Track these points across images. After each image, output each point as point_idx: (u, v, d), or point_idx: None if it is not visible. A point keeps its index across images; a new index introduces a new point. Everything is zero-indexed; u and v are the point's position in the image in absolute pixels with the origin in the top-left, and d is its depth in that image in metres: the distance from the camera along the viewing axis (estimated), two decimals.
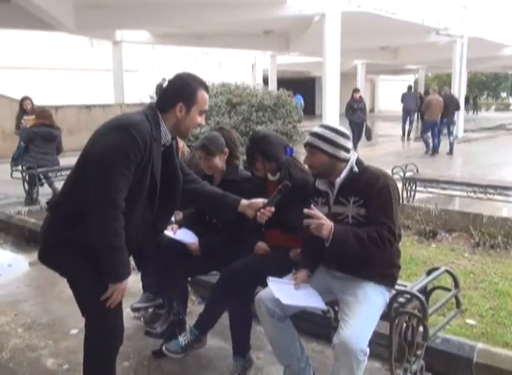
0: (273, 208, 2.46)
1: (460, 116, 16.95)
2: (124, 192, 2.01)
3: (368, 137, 12.41)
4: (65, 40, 16.44)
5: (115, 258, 2.06)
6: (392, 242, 2.31)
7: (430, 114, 12.48)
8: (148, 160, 2.07)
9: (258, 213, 2.45)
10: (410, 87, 18.02)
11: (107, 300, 2.11)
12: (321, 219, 2.27)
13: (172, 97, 2.15)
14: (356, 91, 12.88)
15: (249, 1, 10.44)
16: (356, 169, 2.44)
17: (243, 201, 2.51)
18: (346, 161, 2.46)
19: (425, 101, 13.25)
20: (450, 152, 12.60)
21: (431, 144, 12.65)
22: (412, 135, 17.21)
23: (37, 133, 7.20)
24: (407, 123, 17.18)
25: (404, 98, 17.66)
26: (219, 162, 3.08)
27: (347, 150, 2.46)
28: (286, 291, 2.40)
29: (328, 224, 2.28)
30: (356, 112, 12.31)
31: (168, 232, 3.09)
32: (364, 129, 12.40)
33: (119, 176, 1.99)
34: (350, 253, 2.33)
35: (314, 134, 2.46)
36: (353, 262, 2.39)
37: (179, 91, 2.15)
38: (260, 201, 2.50)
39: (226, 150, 3.10)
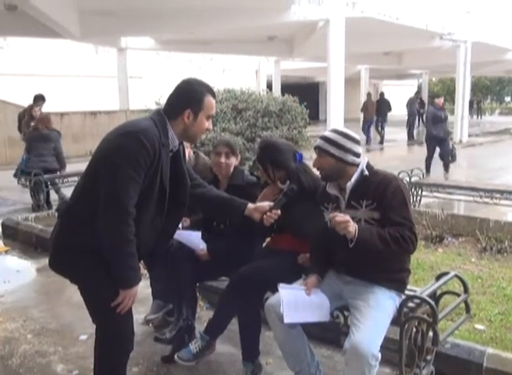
0: (279, 212, 2.47)
1: (465, 121, 16.97)
2: (134, 198, 2.02)
3: (452, 160, 10.19)
4: (70, 47, 16.54)
5: (126, 264, 2.07)
6: (414, 242, 2.32)
7: (367, 114, 16.34)
8: (157, 166, 2.08)
9: (265, 216, 2.47)
10: (417, 92, 18.70)
11: (118, 306, 2.12)
12: (347, 220, 2.29)
13: (180, 103, 2.16)
14: (437, 96, 10.65)
15: (253, 8, 10.48)
16: (366, 172, 2.46)
17: (250, 205, 2.53)
18: (356, 165, 2.47)
19: (363, 103, 16.80)
20: (381, 142, 16.46)
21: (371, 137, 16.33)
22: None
23: (31, 138, 7.37)
24: (414, 126, 17.51)
25: (411, 102, 17.96)
26: (233, 163, 3.12)
27: (356, 154, 2.47)
28: (295, 301, 2.40)
29: (353, 223, 2.30)
30: (440, 124, 9.67)
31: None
32: (451, 148, 10.12)
33: (129, 182, 2.00)
34: (373, 253, 2.35)
35: (324, 138, 2.50)
36: (363, 267, 2.40)
37: (186, 98, 2.16)
38: (266, 204, 2.51)
39: (239, 156, 3.15)
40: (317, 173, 2.80)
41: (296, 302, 2.41)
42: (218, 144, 3.18)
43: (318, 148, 2.50)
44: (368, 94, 17.66)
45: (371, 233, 2.30)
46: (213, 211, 2.85)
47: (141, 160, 2.00)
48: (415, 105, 18.21)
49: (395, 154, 13.88)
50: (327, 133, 2.51)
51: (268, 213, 2.46)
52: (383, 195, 2.36)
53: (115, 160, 2.00)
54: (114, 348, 2.24)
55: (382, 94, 17.80)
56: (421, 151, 14.77)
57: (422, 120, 18.00)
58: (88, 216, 2.06)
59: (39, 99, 9.17)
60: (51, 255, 2.22)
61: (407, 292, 2.50)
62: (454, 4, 14.86)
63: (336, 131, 2.51)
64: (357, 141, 2.49)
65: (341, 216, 2.29)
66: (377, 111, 16.61)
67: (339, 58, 11.02)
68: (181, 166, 2.31)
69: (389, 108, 17.06)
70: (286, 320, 2.34)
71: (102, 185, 2.01)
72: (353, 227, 2.27)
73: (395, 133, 19.91)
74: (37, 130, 7.41)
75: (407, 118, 18.54)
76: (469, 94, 17.61)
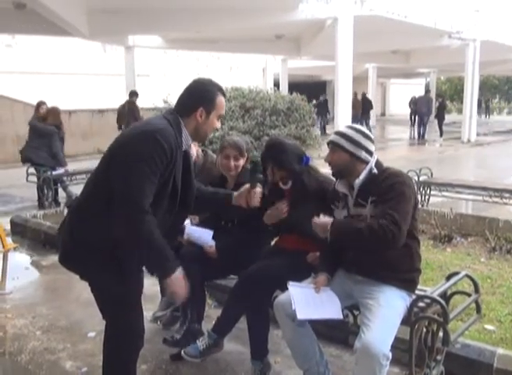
0: (259, 189, 2.44)
1: (473, 120, 16.88)
2: (150, 197, 2.03)
3: None
4: (78, 45, 16.57)
5: (157, 256, 2.06)
6: (395, 233, 2.24)
7: (354, 112, 16.18)
8: (173, 165, 2.09)
9: (248, 199, 2.46)
10: (427, 91, 19.19)
11: (127, 303, 2.13)
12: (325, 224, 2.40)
13: (193, 101, 2.18)
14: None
15: (261, 7, 10.46)
16: (375, 170, 2.45)
17: (235, 194, 2.52)
18: (366, 162, 2.46)
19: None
20: None
21: None
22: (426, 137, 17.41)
23: (30, 127, 7.43)
24: (421, 125, 17.51)
25: (417, 101, 18.05)
26: (242, 164, 3.10)
27: (369, 152, 2.47)
28: (306, 298, 2.40)
29: (324, 222, 2.40)
30: None
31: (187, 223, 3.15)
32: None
33: (146, 182, 2.00)
34: (350, 245, 2.42)
35: (338, 133, 2.51)
36: (373, 267, 2.38)
37: (200, 96, 2.18)
38: (244, 187, 2.50)
39: (246, 155, 3.13)
40: (325, 171, 2.81)
41: (307, 299, 2.40)
42: (226, 147, 3.12)
43: (331, 143, 2.51)
44: (354, 94, 18.25)
45: (347, 224, 2.39)
46: (203, 207, 2.75)
47: (158, 160, 2.01)
48: (424, 104, 18.21)
49: (400, 153, 13.82)
50: (342, 129, 2.53)
51: (250, 194, 2.45)
52: (385, 189, 2.35)
53: (131, 159, 2.00)
54: (124, 345, 2.24)
55: (364, 94, 20.00)
56: (430, 149, 14.73)
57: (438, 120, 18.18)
58: (100, 213, 2.07)
59: (133, 94, 11.42)
60: (62, 251, 2.22)
61: (417, 292, 2.48)
62: (463, 2, 14.77)
63: (351, 127, 2.53)
64: (371, 139, 2.49)
65: (320, 220, 2.40)
66: (362, 109, 18.71)
67: (348, 56, 10.97)
68: (190, 165, 2.33)
69: (372, 107, 19.85)
70: (299, 316, 2.33)
71: (117, 184, 2.01)
72: (323, 225, 2.40)
73: (401, 132, 19.87)
74: (36, 120, 7.47)
75: (416, 117, 18.57)
76: (477, 93, 17.49)
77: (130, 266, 2.14)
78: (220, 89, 2.23)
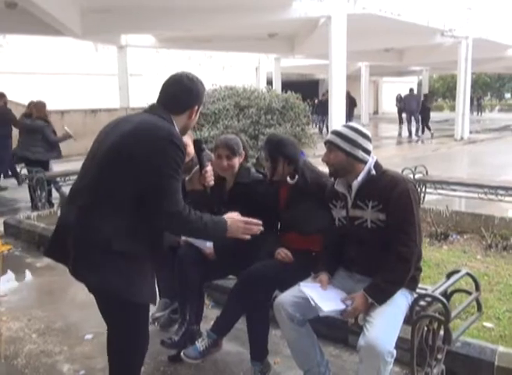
0: (210, 167, 2.39)
1: (466, 118, 16.94)
2: (181, 200, 2.04)
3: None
4: (69, 45, 16.46)
5: (210, 231, 2.11)
6: (415, 252, 2.33)
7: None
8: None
9: (201, 181, 2.39)
10: (411, 90, 19.11)
11: (132, 317, 2.10)
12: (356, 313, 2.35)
13: (189, 101, 2.16)
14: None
15: (254, 5, 10.42)
16: (374, 172, 2.43)
17: (186, 179, 2.44)
18: (365, 162, 2.44)
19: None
20: None
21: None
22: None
23: (21, 126, 7.43)
24: (412, 123, 17.64)
25: (405, 99, 18.19)
26: (237, 163, 3.07)
27: (366, 151, 2.45)
28: (319, 295, 2.39)
29: (359, 307, 2.32)
30: None
31: None
32: None
33: (177, 187, 2.02)
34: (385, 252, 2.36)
35: (335, 132, 2.49)
36: (375, 266, 2.36)
37: (195, 95, 2.17)
38: (195, 169, 2.44)
39: (243, 153, 3.10)
40: (322, 169, 2.80)
41: (321, 295, 2.39)
42: (218, 146, 3.10)
43: (328, 143, 2.49)
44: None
45: (381, 288, 2.31)
46: None
47: (180, 162, 2.03)
48: (413, 102, 18.31)
49: (394, 152, 13.85)
50: (339, 128, 2.50)
51: (202, 175, 2.37)
52: (389, 198, 2.34)
53: (163, 169, 1.98)
54: (131, 351, 2.20)
55: (348, 93, 20.15)
56: (424, 147, 14.77)
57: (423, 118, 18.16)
58: (112, 216, 1.98)
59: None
60: (74, 261, 2.02)
61: (417, 290, 2.47)
62: (455, 0, 14.81)
63: (348, 126, 2.50)
64: (368, 138, 2.47)
65: (352, 310, 2.33)
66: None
67: (341, 55, 10.95)
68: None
69: (355, 105, 19.76)
70: (325, 309, 2.31)
71: (154, 193, 1.98)
72: (361, 307, 2.32)
73: (394, 130, 19.91)
74: (25, 118, 7.41)
75: (405, 115, 18.73)
76: (470, 90, 17.56)
77: (146, 271, 2.10)
78: (203, 84, 2.26)
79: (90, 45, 17.90)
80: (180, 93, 2.16)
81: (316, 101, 20.37)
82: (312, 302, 2.32)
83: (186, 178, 2.44)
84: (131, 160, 2.00)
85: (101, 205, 2.00)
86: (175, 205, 2.00)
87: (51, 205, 7.37)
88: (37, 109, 7.42)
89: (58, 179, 7.50)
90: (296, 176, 2.84)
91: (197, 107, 2.17)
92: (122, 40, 14.19)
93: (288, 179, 2.86)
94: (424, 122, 18.15)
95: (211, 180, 2.39)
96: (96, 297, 2.14)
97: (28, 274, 4.96)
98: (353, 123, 2.55)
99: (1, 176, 9.51)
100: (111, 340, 2.21)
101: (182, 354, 2.83)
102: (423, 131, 18.02)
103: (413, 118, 18.06)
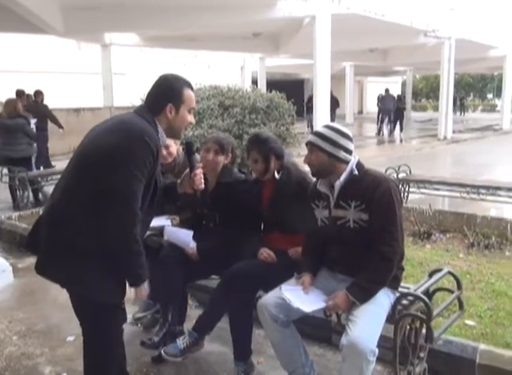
0: (200, 169, 2.36)
1: (449, 117, 17.12)
2: (140, 200, 2.00)
3: None
4: (52, 43, 16.28)
5: (138, 262, 2.03)
6: (398, 250, 2.35)
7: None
8: (156, 165, 2.06)
9: (192, 183, 2.36)
10: (387, 90, 19.56)
11: (99, 317, 2.07)
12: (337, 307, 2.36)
13: (162, 99, 2.15)
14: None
15: (238, 4, 10.41)
16: (356, 171, 2.43)
17: (178, 181, 2.44)
18: (347, 162, 2.45)
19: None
20: None
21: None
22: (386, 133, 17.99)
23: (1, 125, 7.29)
24: (386, 122, 18.05)
25: (383, 99, 18.52)
26: (221, 162, 3.06)
27: (348, 151, 2.46)
28: (300, 298, 2.39)
29: (340, 305, 2.33)
30: None
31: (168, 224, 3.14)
32: None
33: (137, 185, 1.98)
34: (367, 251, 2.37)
35: (316, 133, 2.48)
36: (357, 265, 2.37)
37: (167, 93, 2.16)
38: (185, 172, 2.42)
39: (230, 155, 3.10)
40: (306, 169, 2.80)
41: (301, 298, 2.39)
42: (208, 141, 3.12)
43: (310, 144, 2.48)
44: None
45: (364, 287, 2.32)
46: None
47: (147, 162, 1.99)
48: (390, 102, 18.63)
49: (378, 151, 13.94)
50: (320, 129, 2.49)
51: (193, 177, 2.35)
52: (371, 198, 2.34)
53: (122, 162, 1.95)
54: (105, 353, 2.19)
55: (330, 92, 19.83)
56: (408, 147, 14.88)
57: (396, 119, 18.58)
58: (78, 215, 1.98)
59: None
60: (41, 259, 2.07)
61: (400, 289, 2.48)
62: (438, 1, 14.94)
63: (328, 127, 2.49)
64: (349, 138, 2.47)
65: (332, 306, 2.35)
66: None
67: (326, 55, 11.00)
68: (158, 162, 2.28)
69: (338, 105, 19.11)
70: (307, 310, 2.33)
71: (106, 186, 1.94)
72: (343, 304, 2.33)
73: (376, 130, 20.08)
74: (3, 118, 7.32)
75: (383, 115, 19.08)
76: (453, 91, 17.75)
77: (110, 270, 2.06)
78: (186, 82, 2.21)
79: (73, 44, 17.70)
80: (156, 92, 2.18)
81: (307, 98, 20.09)
82: (294, 306, 2.33)
83: (178, 181, 2.43)
84: (96, 156, 2.00)
85: (68, 204, 2.01)
86: (132, 201, 1.96)
87: (38, 204, 7.29)
88: (8, 107, 7.31)
89: (39, 179, 7.42)
90: (281, 172, 2.87)
91: (171, 104, 2.13)
92: (106, 38, 14.07)
93: (275, 174, 2.88)
94: (398, 122, 18.51)
95: (200, 183, 2.36)
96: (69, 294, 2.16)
97: (9, 275, 4.86)
98: (333, 124, 2.54)
99: (41, 167, 9.53)
100: (83, 339, 2.22)
101: (162, 351, 2.83)
102: (394, 130, 18.41)
103: (387, 118, 18.54)
